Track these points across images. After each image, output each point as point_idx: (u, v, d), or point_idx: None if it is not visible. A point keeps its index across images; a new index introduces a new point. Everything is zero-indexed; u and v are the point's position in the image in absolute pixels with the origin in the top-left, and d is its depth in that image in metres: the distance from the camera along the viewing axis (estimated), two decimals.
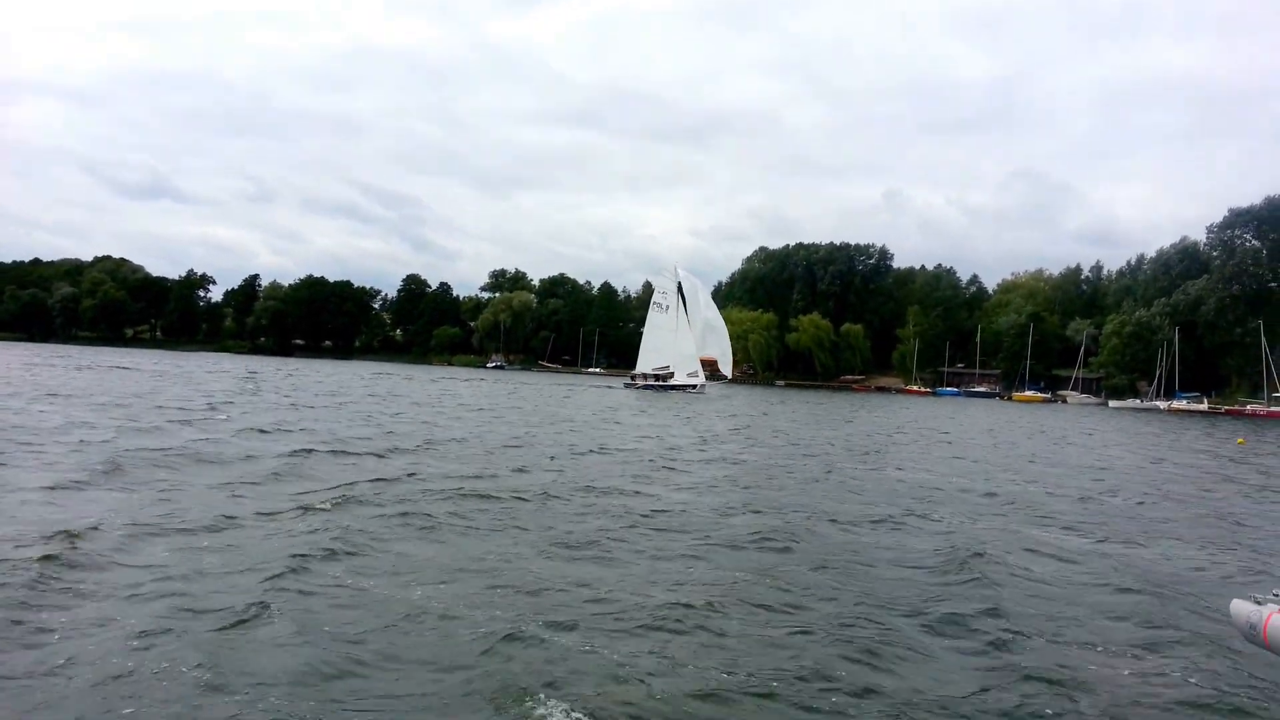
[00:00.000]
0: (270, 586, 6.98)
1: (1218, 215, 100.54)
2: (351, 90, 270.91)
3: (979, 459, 22.67)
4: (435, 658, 5.75)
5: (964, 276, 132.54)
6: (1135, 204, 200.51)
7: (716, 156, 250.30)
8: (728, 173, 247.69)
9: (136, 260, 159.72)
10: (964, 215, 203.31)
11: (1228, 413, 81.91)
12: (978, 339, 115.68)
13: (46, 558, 7.30)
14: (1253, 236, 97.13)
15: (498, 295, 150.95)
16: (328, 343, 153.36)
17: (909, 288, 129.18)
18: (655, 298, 71.30)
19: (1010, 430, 38.38)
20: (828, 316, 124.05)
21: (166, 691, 4.95)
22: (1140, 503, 15.12)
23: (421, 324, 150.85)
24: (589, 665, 5.69)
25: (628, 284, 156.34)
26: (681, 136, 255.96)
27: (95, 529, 8.43)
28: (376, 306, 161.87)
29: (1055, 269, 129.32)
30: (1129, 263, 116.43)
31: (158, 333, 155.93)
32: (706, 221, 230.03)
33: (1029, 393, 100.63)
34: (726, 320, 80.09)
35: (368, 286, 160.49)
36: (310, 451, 15.57)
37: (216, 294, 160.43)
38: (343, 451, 16.05)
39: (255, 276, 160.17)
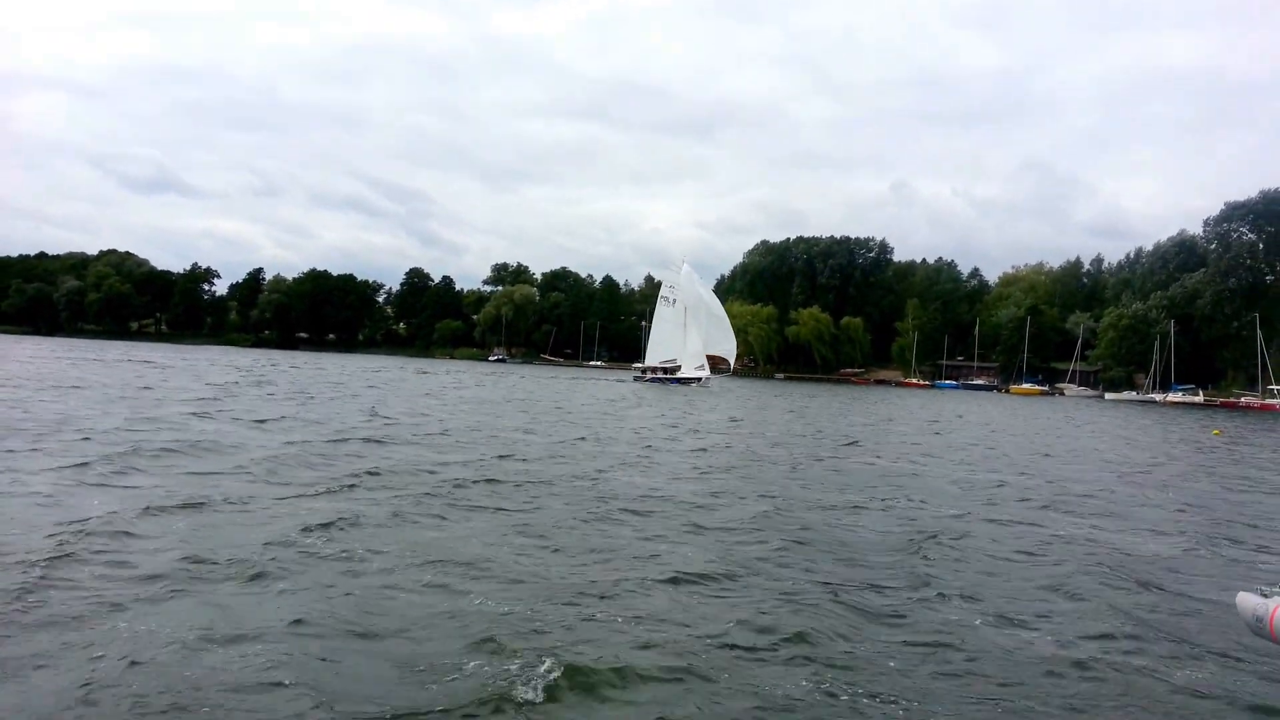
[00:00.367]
0: (273, 556, 7.70)
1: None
2: (357, 84, 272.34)
3: (963, 448, 23.43)
4: (428, 640, 5.93)
5: (971, 269, 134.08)
6: (1143, 196, 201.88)
7: (722, 150, 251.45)
8: (733, 166, 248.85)
9: (142, 254, 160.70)
10: (971, 207, 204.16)
11: (1222, 405, 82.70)
12: (976, 332, 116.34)
13: (56, 546, 7.56)
14: (1249, 230, 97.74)
15: (500, 289, 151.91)
16: (331, 336, 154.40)
17: (909, 281, 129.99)
18: (663, 292, 72.15)
19: (1006, 421, 39.13)
20: (828, 310, 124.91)
21: (146, 687, 4.96)
22: (1113, 491, 15.87)
23: (424, 317, 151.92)
24: (571, 639, 6.33)
25: (631, 278, 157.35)
26: (687, 130, 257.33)
27: (96, 517, 8.77)
28: (380, 300, 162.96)
29: (1063, 261, 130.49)
30: (1128, 256, 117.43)
31: (163, 326, 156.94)
32: (712, 215, 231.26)
33: (1026, 385, 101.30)
34: (728, 313, 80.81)
35: (371, 280, 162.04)
36: (307, 443, 16.18)
37: (221, 288, 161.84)
38: (341, 440, 16.83)
39: (260, 270, 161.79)
